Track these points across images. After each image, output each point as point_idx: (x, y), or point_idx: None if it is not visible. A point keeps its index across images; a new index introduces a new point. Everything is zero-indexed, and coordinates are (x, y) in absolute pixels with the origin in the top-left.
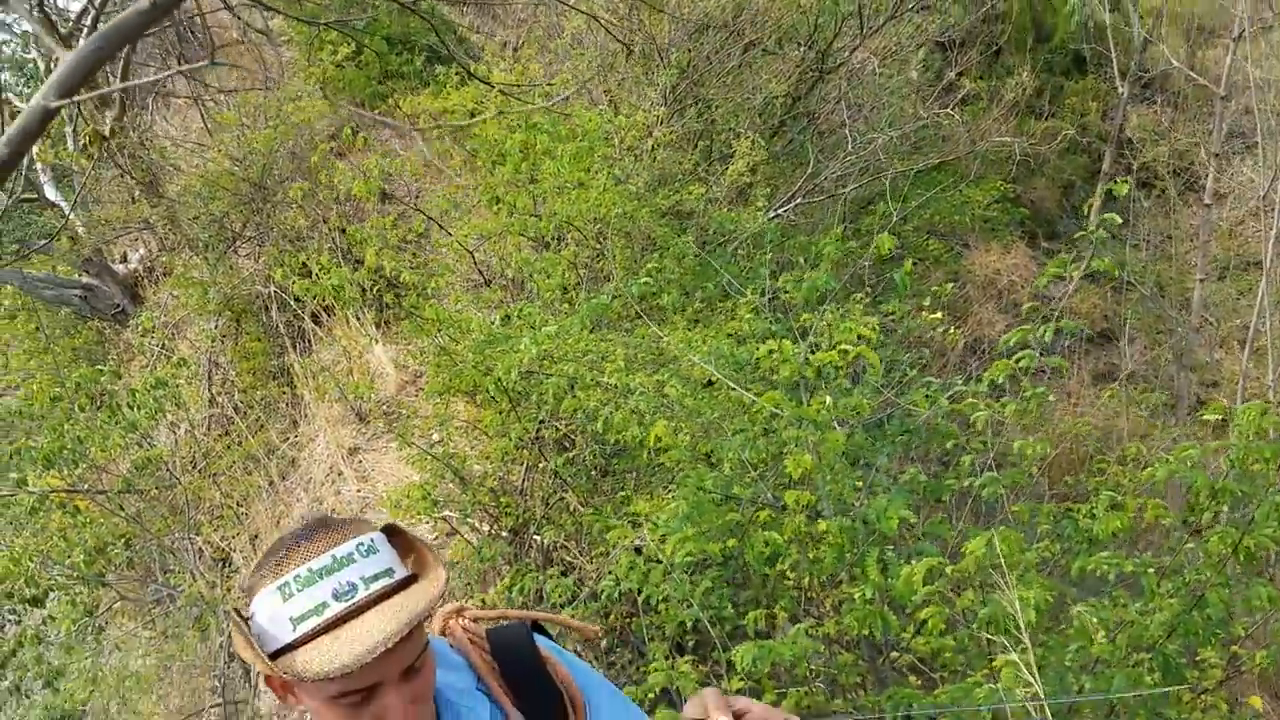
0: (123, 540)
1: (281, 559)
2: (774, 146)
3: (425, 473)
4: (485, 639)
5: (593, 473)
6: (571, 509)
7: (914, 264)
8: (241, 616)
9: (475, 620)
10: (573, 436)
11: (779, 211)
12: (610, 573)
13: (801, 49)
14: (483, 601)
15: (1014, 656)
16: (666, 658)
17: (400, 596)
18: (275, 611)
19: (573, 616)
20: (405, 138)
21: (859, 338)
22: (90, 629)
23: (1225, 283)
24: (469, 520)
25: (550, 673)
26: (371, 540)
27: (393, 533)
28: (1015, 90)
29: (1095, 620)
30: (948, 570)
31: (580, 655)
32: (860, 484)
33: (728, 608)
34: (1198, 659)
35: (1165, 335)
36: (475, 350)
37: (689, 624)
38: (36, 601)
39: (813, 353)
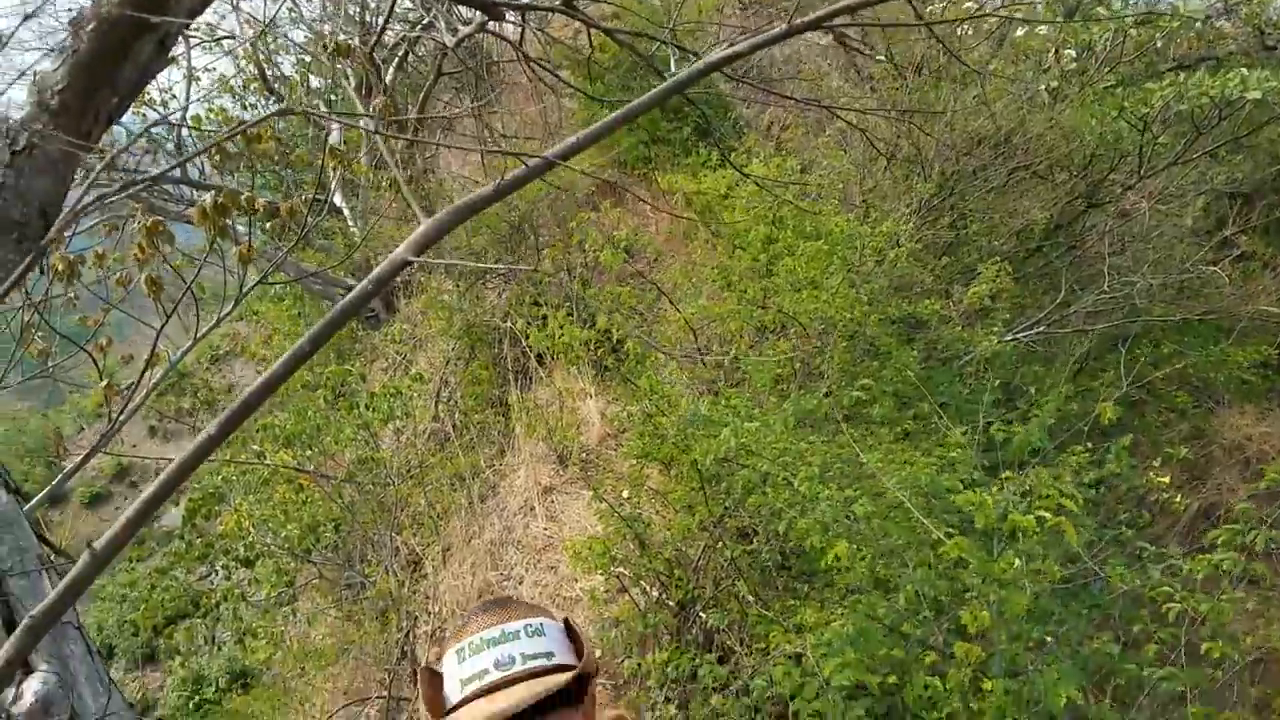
0: (334, 525)
1: (462, 626)
2: (1026, 268)
3: (608, 528)
4: None
5: (768, 566)
6: (740, 597)
7: (1157, 414)
8: (434, 673)
9: None
10: (755, 529)
11: (1018, 336)
12: (766, 673)
13: (1073, 179)
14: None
15: None
16: None
17: (551, 678)
18: (454, 672)
19: (722, 705)
20: (656, 205)
21: (1060, 508)
22: (287, 599)
23: None
24: (641, 583)
25: None
26: (541, 624)
27: (569, 627)
28: None
29: None
30: None
31: None
32: (1035, 648)
33: None
34: None
35: None
36: (678, 427)
37: None
38: (248, 563)
39: (1009, 511)
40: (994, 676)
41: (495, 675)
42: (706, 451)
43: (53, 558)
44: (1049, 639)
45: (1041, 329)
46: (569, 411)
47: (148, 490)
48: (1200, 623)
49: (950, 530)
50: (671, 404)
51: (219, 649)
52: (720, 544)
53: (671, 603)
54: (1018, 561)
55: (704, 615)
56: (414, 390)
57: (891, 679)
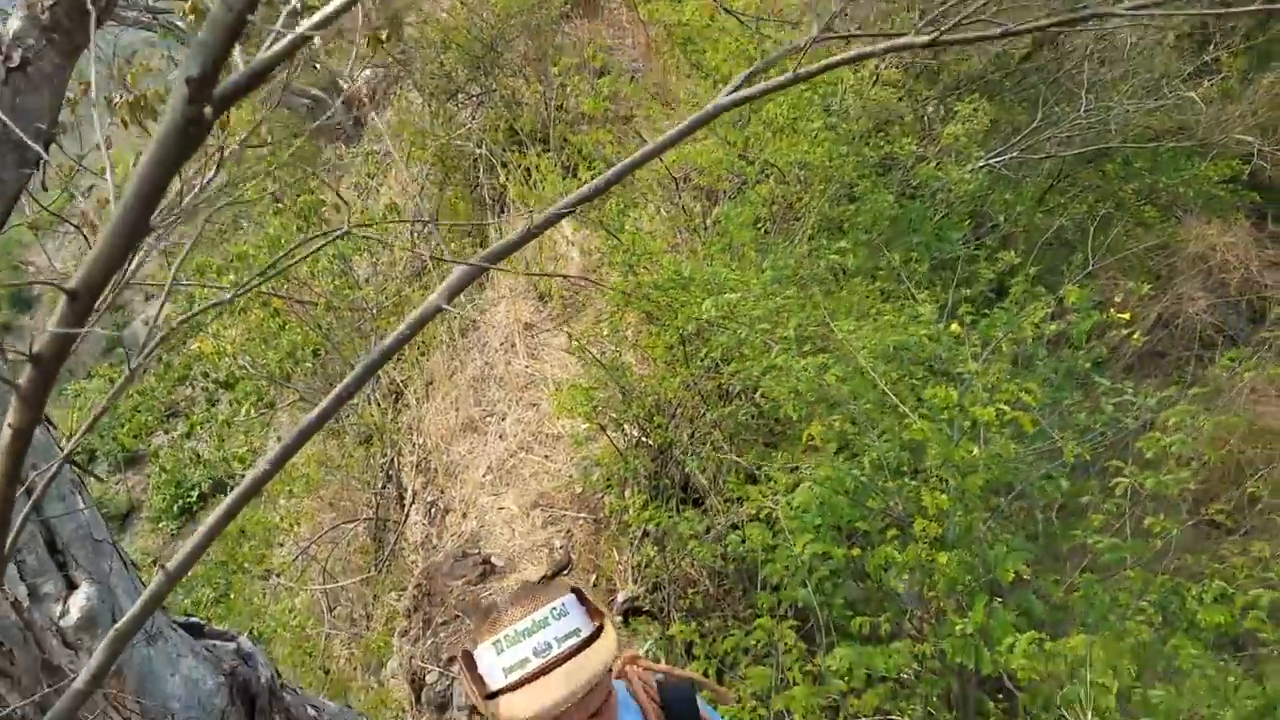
0: (313, 351)
1: (495, 620)
2: (1004, 87)
3: (590, 373)
4: (656, 690)
5: (744, 423)
6: (717, 445)
7: (1125, 229)
8: (471, 659)
9: (646, 669)
10: (733, 389)
11: (991, 161)
12: (740, 527)
13: None
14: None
15: None
16: (771, 615)
17: (584, 655)
18: (491, 662)
19: (697, 556)
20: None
21: (1018, 401)
22: (269, 419)
23: None
24: (622, 426)
25: None
26: (563, 604)
27: (578, 593)
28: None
29: (1166, 707)
30: (1045, 646)
31: None
32: (988, 523)
33: (840, 601)
34: None
35: None
36: (658, 289)
37: (799, 604)
38: (227, 385)
39: (970, 405)
40: (949, 548)
41: (537, 662)
42: (687, 318)
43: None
44: (1001, 508)
45: (1015, 154)
46: (546, 244)
47: (218, 510)
48: (1145, 497)
49: (919, 399)
50: (652, 257)
51: (201, 463)
52: (698, 401)
53: (651, 443)
54: (976, 449)
55: (682, 459)
56: (388, 221)
57: (856, 551)
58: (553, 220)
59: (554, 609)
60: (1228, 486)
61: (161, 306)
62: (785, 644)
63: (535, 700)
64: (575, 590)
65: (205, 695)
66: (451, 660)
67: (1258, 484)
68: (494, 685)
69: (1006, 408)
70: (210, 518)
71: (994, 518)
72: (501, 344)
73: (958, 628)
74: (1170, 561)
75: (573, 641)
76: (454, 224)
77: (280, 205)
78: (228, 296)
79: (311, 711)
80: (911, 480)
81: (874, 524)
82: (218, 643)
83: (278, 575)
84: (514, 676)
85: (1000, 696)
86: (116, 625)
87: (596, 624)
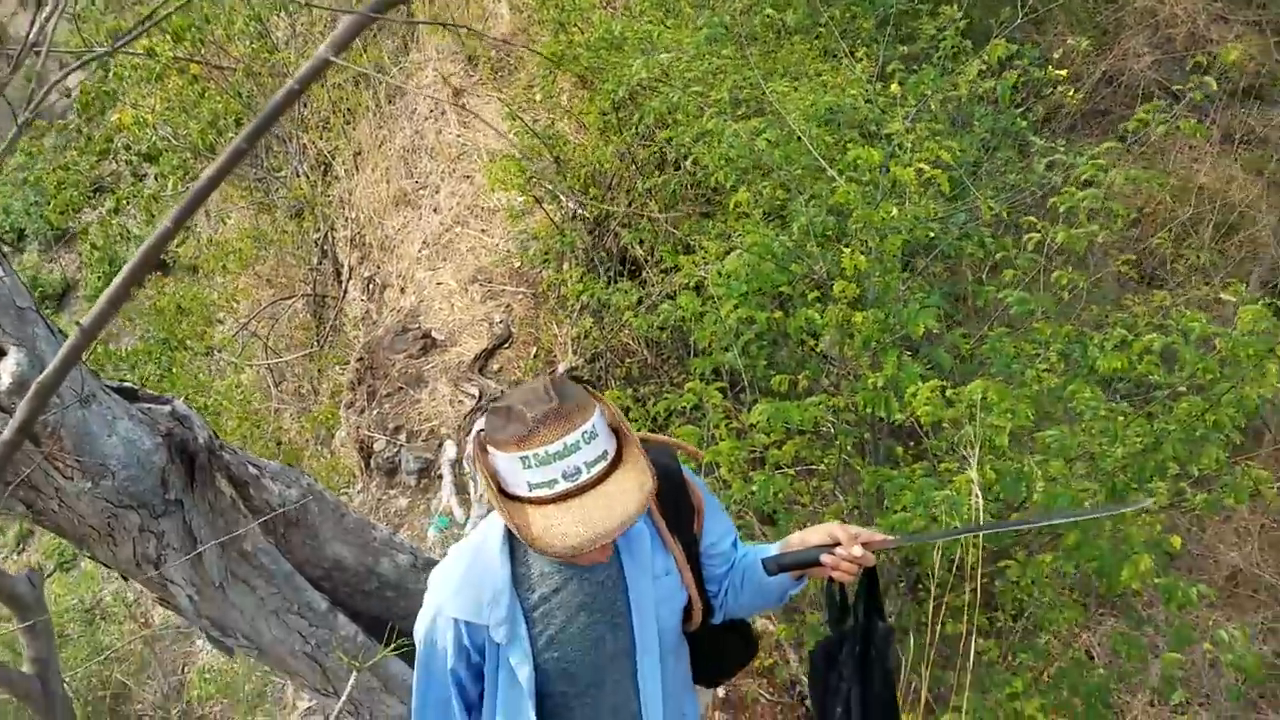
0: (235, 121)
1: (524, 437)
2: None
3: (523, 142)
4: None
5: (678, 191)
6: (651, 217)
7: None
8: (484, 448)
9: None
10: (667, 157)
11: None
12: (674, 297)
13: None
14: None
15: (973, 472)
16: (702, 378)
17: (613, 483)
18: (514, 471)
19: (633, 325)
20: None
21: (937, 160)
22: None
23: None
24: (559, 198)
25: (689, 491)
26: (593, 426)
27: (601, 405)
28: None
29: (1060, 445)
30: (948, 394)
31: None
32: (907, 282)
33: (762, 363)
34: (1147, 485)
35: None
36: (590, 50)
37: (726, 367)
38: (150, 158)
39: (892, 165)
40: (866, 308)
41: (565, 485)
42: (619, 81)
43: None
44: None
45: None
46: (475, 3)
47: (125, 268)
48: (1058, 250)
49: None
50: (584, 14)
51: (132, 239)
52: (634, 171)
53: (587, 215)
54: (895, 211)
55: (618, 232)
56: None
57: (779, 315)
58: None
59: (585, 432)
60: (1166, 242)
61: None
62: (712, 404)
63: (572, 530)
64: (601, 404)
65: (144, 454)
66: (398, 430)
67: (1164, 237)
68: (517, 492)
69: (926, 167)
70: (118, 276)
71: (913, 277)
72: (430, 112)
73: (870, 381)
74: (1079, 313)
75: (601, 466)
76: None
77: None
78: (103, 50)
79: (252, 469)
80: (836, 243)
81: (797, 288)
82: (153, 406)
83: (220, 351)
84: (540, 493)
85: (911, 443)
86: (39, 379)
87: (619, 443)
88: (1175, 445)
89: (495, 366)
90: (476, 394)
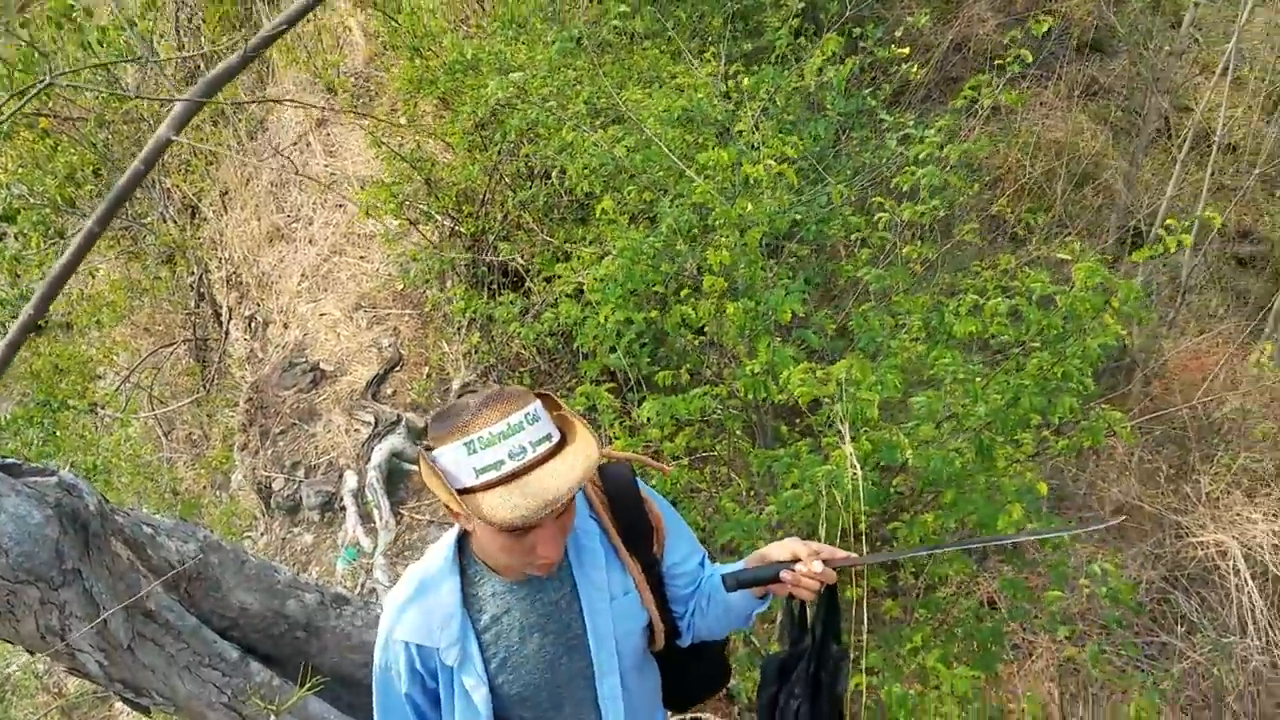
0: (93, 171)
1: (467, 422)
2: None
3: (391, 168)
4: (598, 473)
5: (549, 204)
6: (527, 228)
7: None
8: (430, 452)
9: None
10: (534, 170)
11: None
12: (555, 304)
13: None
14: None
15: (847, 446)
16: (593, 381)
17: (559, 460)
18: (460, 461)
19: (520, 335)
20: None
21: (783, 157)
22: (59, 251)
23: (1222, 3)
24: (434, 217)
25: (646, 509)
26: (534, 410)
27: (545, 399)
28: None
29: (928, 409)
30: (818, 373)
31: None
32: (773, 268)
33: (645, 360)
34: (1014, 438)
35: (1151, 53)
36: (446, 72)
37: (612, 369)
38: (7, 218)
39: (744, 162)
40: (735, 299)
41: (512, 465)
42: (477, 103)
43: None
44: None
45: None
46: (326, 30)
47: (25, 311)
48: (909, 225)
49: (703, 166)
50: (435, 38)
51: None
52: (501, 186)
53: (464, 232)
54: (750, 206)
55: (496, 246)
56: (147, 18)
57: (655, 314)
58: (267, 41)
59: (527, 414)
60: (1008, 205)
61: None
62: (604, 405)
63: (523, 502)
64: (541, 396)
65: (35, 528)
66: (295, 466)
67: (1004, 203)
68: (466, 482)
69: (774, 163)
70: (26, 309)
71: (781, 264)
72: (295, 143)
73: (748, 368)
74: (935, 282)
75: (546, 446)
76: (169, 58)
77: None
78: None
79: (147, 529)
80: (703, 240)
81: (670, 287)
82: (39, 479)
83: (103, 407)
84: (488, 476)
85: (797, 420)
86: None
87: (560, 430)
88: (1032, 398)
89: (388, 390)
90: (372, 420)
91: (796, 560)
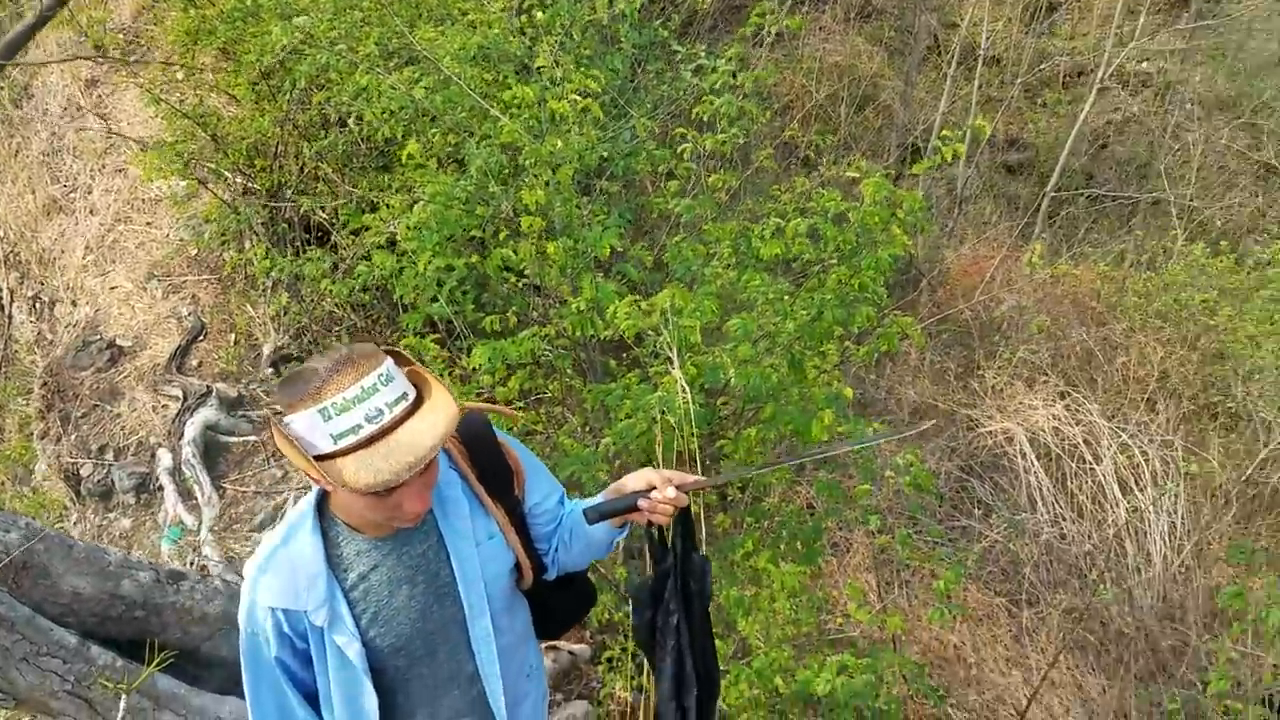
0: None
1: (319, 388)
2: None
3: (174, 126)
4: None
5: (349, 155)
6: (327, 179)
7: None
8: (283, 422)
9: None
10: (331, 119)
11: None
12: (367, 256)
13: None
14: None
15: (676, 372)
16: (416, 334)
17: (418, 419)
18: (315, 427)
19: (332, 292)
20: None
21: (586, 91)
22: None
23: None
24: (224, 175)
25: (504, 454)
26: (387, 370)
27: (396, 356)
28: None
29: (743, 330)
30: (642, 305)
31: None
32: (588, 203)
33: (470, 307)
34: (821, 349)
35: None
36: (225, 20)
37: (434, 319)
38: None
39: (548, 98)
40: (554, 239)
41: (370, 428)
42: (262, 50)
43: None
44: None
45: None
46: None
47: None
48: (712, 154)
49: (507, 104)
50: None
51: None
52: (295, 137)
53: (259, 188)
54: (560, 142)
55: (296, 201)
56: None
57: (475, 258)
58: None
59: (380, 375)
60: (812, 123)
61: None
62: (430, 355)
63: (384, 464)
64: (391, 353)
65: None
66: (103, 449)
67: (794, 128)
68: (323, 448)
69: (578, 98)
70: None
71: (593, 201)
72: (65, 109)
73: (573, 306)
74: (744, 208)
75: (403, 405)
76: None
77: None
78: None
79: None
80: (515, 181)
81: (487, 230)
82: None
83: None
84: (346, 441)
85: (624, 354)
86: None
87: (417, 386)
88: (834, 311)
89: (194, 362)
90: (180, 394)
91: (652, 488)
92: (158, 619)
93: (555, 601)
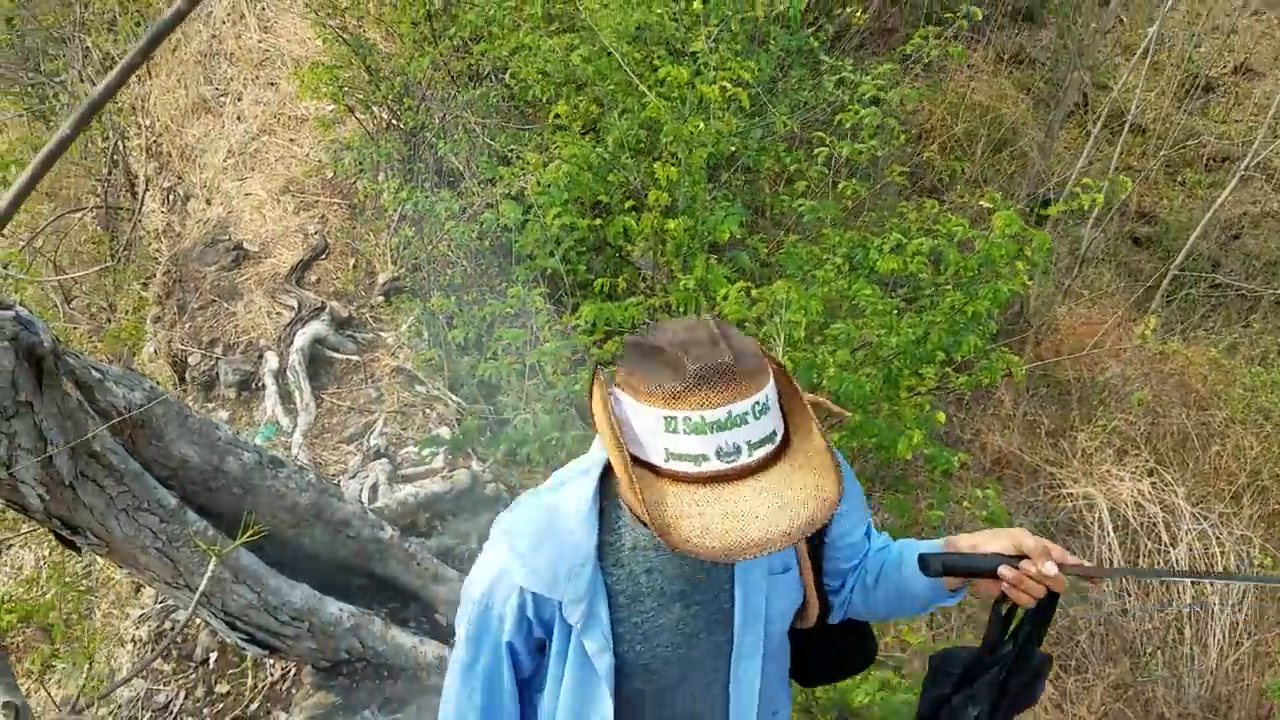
0: (5, 20)
1: (678, 393)
2: None
3: (332, 49)
4: None
5: (497, 105)
6: (469, 128)
7: None
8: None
9: None
10: (483, 70)
11: None
12: (493, 205)
13: None
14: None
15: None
16: (524, 284)
17: (779, 475)
18: (651, 431)
19: (456, 235)
20: None
21: (738, 79)
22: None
23: None
24: (371, 108)
25: None
26: (766, 399)
27: (778, 373)
28: None
29: (845, 337)
30: (752, 293)
31: None
32: (713, 192)
33: (582, 268)
34: (919, 372)
35: (1079, 28)
36: None
37: (549, 271)
38: None
39: (698, 83)
40: (677, 216)
41: (718, 465)
42: None
43: None
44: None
45: None
46: None
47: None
48: (845, 162)
49: (657, 82)
50: None
51: None
52: (449, 83)
53: (402, 126)
54: (702, 125)
55: (434, 144)
56: None
57: (598, 221)
58: None
59: (757, 403)
60: (935, 155)
61: None
62: (535, 308)
63: (715, 530)
64: (776, 370)
65: None
66: (213, 343)
67: (932, 151)
68: (649, 457)
69: (728, 85)
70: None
71: (718, 188)
72: (229, 15)
73: (683, 283)
74: (862, 221)
75: (766, 450)
76: None
77: None
78: None
79: (95, 374)
80: (648, 156)
81: (614, 197)
82: None
83: (5, 267)
84: (680, 467)
85: None
86: None
87: (785, 415)
88: (940, 335)
89: (313, 278)
90: (295, 305)
91: (1022, 557)
92: (252, 499)
93: (831, 645)
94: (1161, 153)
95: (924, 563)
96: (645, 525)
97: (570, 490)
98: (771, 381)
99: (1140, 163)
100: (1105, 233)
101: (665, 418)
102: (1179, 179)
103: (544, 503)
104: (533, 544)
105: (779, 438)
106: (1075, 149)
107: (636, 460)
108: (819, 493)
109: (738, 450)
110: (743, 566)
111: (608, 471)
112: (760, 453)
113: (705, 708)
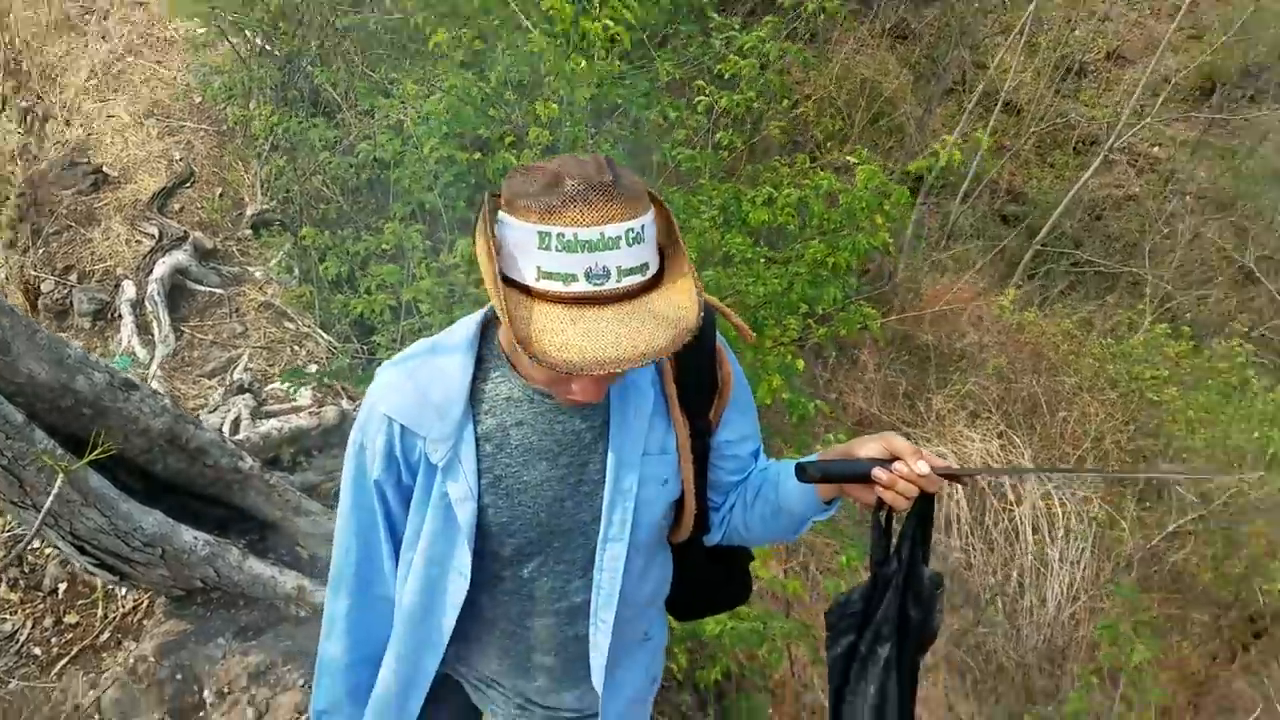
0: None
1: (554, 207)
2: None
3: None
4: None
5: (376, 32)
6: (346, 56)
7: None
8: (493, 213)
9: None
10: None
11: None
12: (370, 138)
13: None
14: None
15: None
16: (401, 221)
17: (643, 306)
18: (524, 247)
19: (330, 166)
20: None
21: (623, 19)
22: None
23: None
24: (244, 31)
25: (718, 367)
26: (642, 227)
27: (659, 207)
28: None
29: (714, 284)
30: None
31: None
32: (594, 134)
33: (460, 204)
34: (783, 323)
35: (962, 4)
36: None
37: (427, 207)
38: None
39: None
40: (557, 155)
41: (584, 286)
42: None
43: None
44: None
45: None
46: None
47: None
48: (725, 113)
49: (543, 18)
50: None
51: None
52: (328, 9)
53: (277, 52)
54: (584, 63)
55: (310, 71)
56: None
57: (478, 155)
58: None
59: (630, 230)
60: (810, 110)
61: None
62: (412, 245)
63: (574, 346)
64: (659, 209)
65: None
66: (68, 270)
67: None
68: (521, 275)
69: (612, 23)
70: None
71: (598, 130)
72: None
73: None
74: (744, 173)
75: (636, 279)
76: None
77: None
78: None
79: None
80: (530, 94)
81: (495, 132)
82: None
83: None
84: (550, 286)
85: None
86: None
87: (662, 255)
88: (803, 287)
89: (176, 206)
90: (156, 233)
91: (895, 459)
92: (102, 420)
93: (701, 575)
94: (1032, 130)
95: (801, 469)
96: (517, 344)
97: (452, 331)
98: (651, 215)
99: (1012, 142)
100: (974, 210)
101: (540, 233)
102: (1049, 161)
103: (424, 343)
104: (406, 373)
105: (650, 271)
106: (950, 125)
107: (510, 281)
108: (680, 322)
109: (606, 274)
110: (618, 439)
111: (491, 317)
112: (629, 281)
113: (564, 593)
